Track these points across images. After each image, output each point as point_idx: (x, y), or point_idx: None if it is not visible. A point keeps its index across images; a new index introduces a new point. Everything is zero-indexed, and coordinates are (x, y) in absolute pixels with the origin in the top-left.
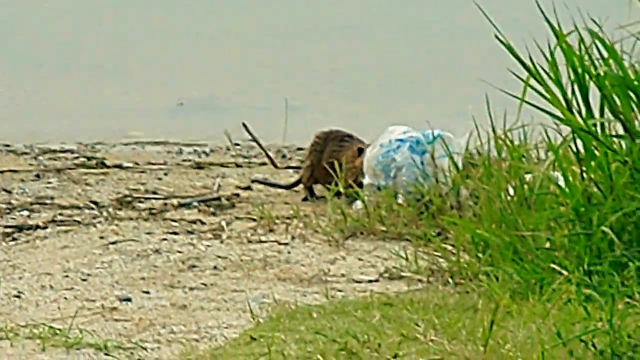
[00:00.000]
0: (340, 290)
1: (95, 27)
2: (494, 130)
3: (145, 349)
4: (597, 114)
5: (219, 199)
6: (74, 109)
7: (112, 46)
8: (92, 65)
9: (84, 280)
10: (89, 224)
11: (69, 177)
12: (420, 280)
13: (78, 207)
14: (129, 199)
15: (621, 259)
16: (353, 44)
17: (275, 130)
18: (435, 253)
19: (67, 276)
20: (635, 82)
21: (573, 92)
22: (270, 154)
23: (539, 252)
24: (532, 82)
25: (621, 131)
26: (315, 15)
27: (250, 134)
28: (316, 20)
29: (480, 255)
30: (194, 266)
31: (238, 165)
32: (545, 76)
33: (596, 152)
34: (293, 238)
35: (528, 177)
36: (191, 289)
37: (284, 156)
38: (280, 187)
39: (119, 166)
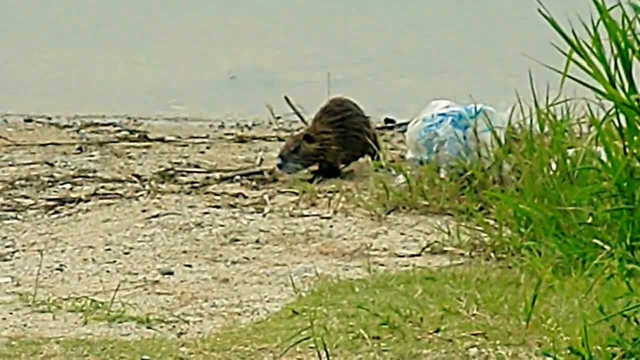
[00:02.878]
0: (382, 265)
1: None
2: (536, 105)
3: (187, 322)
4: None
5: (261, 172)
6: (118, 83)
7: (156, 20)
8: (136, 39)
9: (126, 253)
10: (131, 198)
11: (111, 150)
12: (462, 255)
13: (120, 181)
14: (171, 172)
15: None
16: (395, 18)
17: (317, 103)
18: (478, 227)
19: (109, 249)
20: None
21: (616, 67)
22: None
23: (582, 227)
24: (575, 56)
25: None
26: None
27: (292, 107)
28: None
29: (522, 230)
30: (236, 240)
31: (280, 139)
32: (588, 51)
33: (639, 127)
34: (335, 212)
35: (570, 151)
36: (233, 262)
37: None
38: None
39: (162, 139)
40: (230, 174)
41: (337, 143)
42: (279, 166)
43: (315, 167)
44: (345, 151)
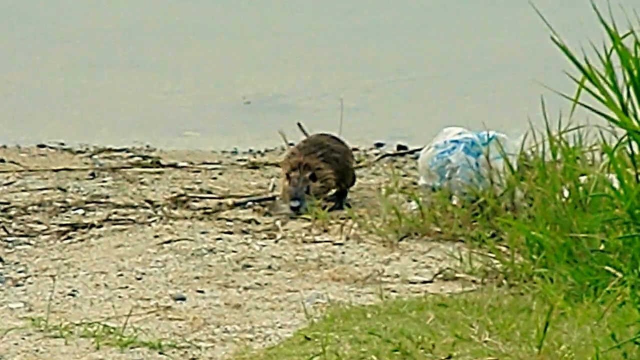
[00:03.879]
0: (394, 291)
1: (160, 25)
2: (548, 132)
3: (199, 348)
4: None
5: (273, 198)
6: (129, 107)
7: (170, 46)
8: (150, 62)
9: (138, 279)
10: (144, 223)
11: (124, 176)
12: (474, 282)
13: (133, 206)
14: (183, 198)
15: None
16: (408, 44)
17: (330, 130)
18: (490, 254)
19: (121, 275)
20: None
21: (629, 95)
22: None
23: (594, 254)
24: (588, 84)
25: None
26: (370, 16)
27: (305, 133)
28: (372, 20)
29: (534, 256)
30: (248, 266)
31: None
32: (600, 78)
33: None
34: (347, 238)
35: (583, 179)
36: (245, 288)
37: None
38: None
39: (174, 165)
40: (242, 200)
41: (332, 176)
42: (296, 208)
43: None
44: (337, 182)
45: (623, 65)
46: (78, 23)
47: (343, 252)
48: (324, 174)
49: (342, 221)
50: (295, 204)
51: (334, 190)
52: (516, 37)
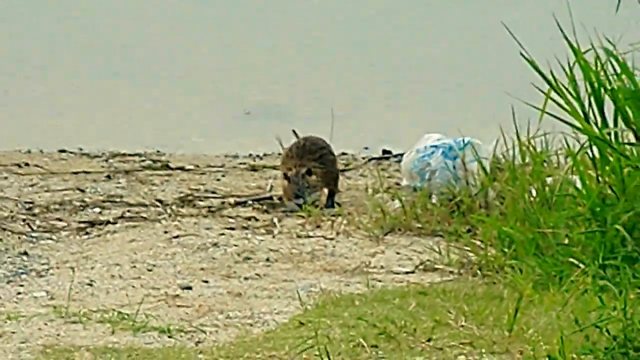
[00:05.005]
0: (379, 281)
1: (170, 43)
2: (518, 138)
3: (204, 332)
4: (611, 124)
5: (271, 198)
6: (141, 116)
7: (179, 59)
8: (162, 74)
9: (149, 270)
10: (154, 220)
11: (137, 178)
12: (451, 272)
13: (144, 205)
14: (190, 197)
15: (632, 253)
16: (393, 59)
17: (321, 135)
18: (465, 248)
19: (134, 267)
20: None
21: (590, 104)
22: None
23: (559, 247)
24: (553, 95)
25: (633, 139)
26: (359, 32)
27: (298, 139)
28: (361, 35)
29: (505, 249)
30: (248, 258)
31: None
32: (564, 90)
33: (610, 158)
34: (338, 233)
35: (549, 180)
36: (246, 278)
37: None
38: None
39: (182, 168)
40: (243, 199)
41: (321, 177)
42: (300, 205)
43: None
44: (324, 182)
45: (585, 78)
46: (95, 38)
47: (334, 246)
48: (317, 172)
49: (332, 218)
50: (300, 201)
51: (325, 190)
52: (489, 54)
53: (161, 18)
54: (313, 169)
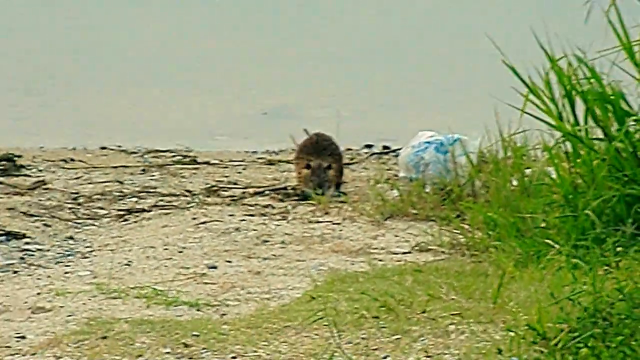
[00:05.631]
0: (380, 260)
1: (196, 52)
2: (501, 135)
3: (227, 305)
4: (582, 122)
5: (285, 188)
6: (173, 117)
7: (205, 68)
8: (189, 80)
9: (179, 252)
10: (184, 208)
11: (168, 171)
12: (443, 252)
13: (175, 195)
14: (215, 188)
15: (601, 235)
16: (391, 66)
17: (329, 134)
18: (455, 231)
19: (166, 249)
20: (612, 97)
21: (563, 105)
22: None
23: (536, 230)
24: (531, 97)
25: (601, 135)
26: (362, 42)
27: (310, 135)
28: (363, 44)
29: (490, 232)
30: (266, 241)
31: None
32: (541, 92)
33: (581, 152)
34: (344, 219)
35: (528, 171)
36: (264, 258)
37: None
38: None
39: (208, 162)
40: (261, 189)
41: (338, 171)
42: (323, 193)
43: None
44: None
45: (559, 81)
46: (128, 45)
47: (340, 230)
48: (334, 167)
49: (339, 205)
50: (319, 191)
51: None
52: (475, 62)
53: (188, 26)
54: (332, 164)
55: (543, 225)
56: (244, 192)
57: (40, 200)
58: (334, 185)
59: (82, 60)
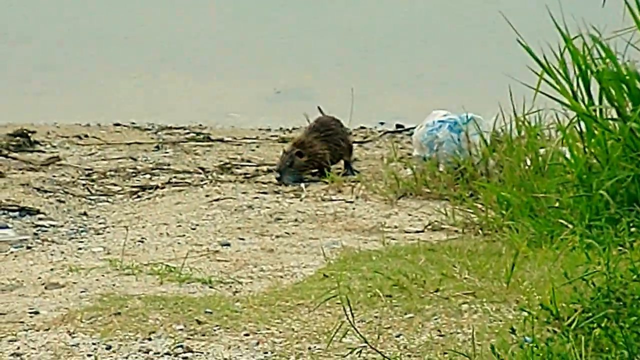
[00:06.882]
0: (393, 239)
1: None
2: (515, 114)
3: (240, 283)
4: (596, 102)
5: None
6: (186, 95)
7: (219, 46)
8: (204, 59)
9: (193, 229)
10: (197, 185)
11: (182, 148)
12: (456, 231)
13: (189, 172)
14: (228, 165)
15: (615, 215)
16: (407, 49)
17: (342, 112)
18: (469, 210)
19: (179, 226)
20: (627, 77)
21: (578, 85)
22: None
23: (550, 210)
24: (546, 76)
25: (615, 115)
26: (373, 18)
27: (323, 115)
28: (375, 22)
29: (503, 212)
30: (279, 219)
31: None
32: (556, 72)
33: (595, 132)
34: (357, 197)
35: (542, 151)
36: (277, 236)
37: (350, 133)
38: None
39: (221, 140)
40: (274, 167)
41: (326, 152)
42: (278, 179)
43: (309, 172)
44: (332, 156)
45: (573, 61)
46: (150, 30)
47: (353, 208)
48: (314, 151)
49: (352, 184)
50: (276, 175)
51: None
52: (490, 41)
53: (204, 10)
54: (310, 150)
55: (557, 205)
56: (257, 170)
57: (54, 176)
58: (306, 172)
59: (100, 40)
